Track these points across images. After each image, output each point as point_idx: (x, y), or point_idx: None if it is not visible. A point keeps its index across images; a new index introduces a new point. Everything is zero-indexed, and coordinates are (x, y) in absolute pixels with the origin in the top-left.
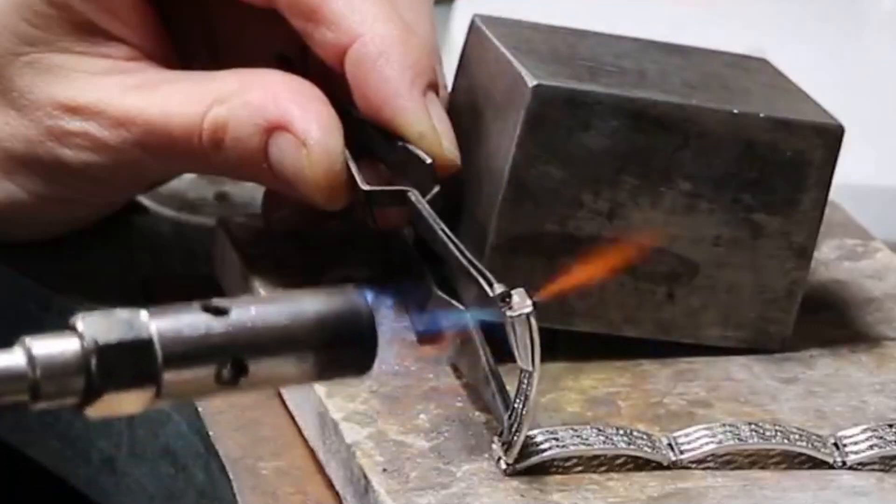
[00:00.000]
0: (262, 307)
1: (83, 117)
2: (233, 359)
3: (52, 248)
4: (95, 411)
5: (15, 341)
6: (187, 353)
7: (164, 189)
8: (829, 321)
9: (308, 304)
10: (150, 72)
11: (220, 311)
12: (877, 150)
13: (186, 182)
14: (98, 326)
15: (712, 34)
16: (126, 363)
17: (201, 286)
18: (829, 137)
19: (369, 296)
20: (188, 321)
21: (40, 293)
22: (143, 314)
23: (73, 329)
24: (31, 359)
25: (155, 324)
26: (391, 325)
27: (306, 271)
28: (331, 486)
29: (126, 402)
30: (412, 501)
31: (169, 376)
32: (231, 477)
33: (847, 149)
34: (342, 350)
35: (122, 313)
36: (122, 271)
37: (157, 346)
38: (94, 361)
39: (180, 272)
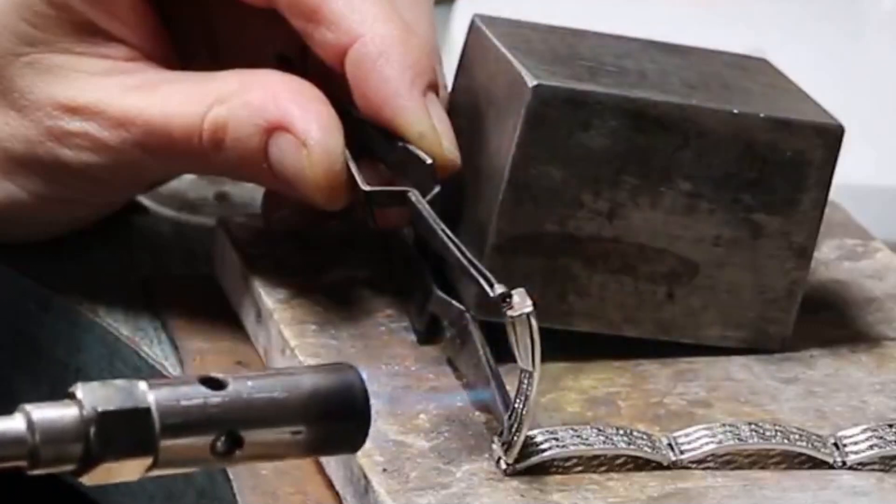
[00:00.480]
0: (258, 381)
1: (83, 117)
2: (228, 431)
3: (52, 248)
4: (92, 479)
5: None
6: (184, 423)
7: (164, 189)
8: (829, 321)
9: (303, 381)
10: (150, 72)
11: (218, 384)
12: (877, 150)
13: (186, 182)
14: (97, 394)
15: (712, 34)
16: (124, 431)
17: (201, 286)
18: (829, 137)
19: (363, 373)
20: (186, 392)
21: (40, 293)
22: (142, 384)
23: (72, 396)
24: (30, 424)
25: (153, 394)
26: (385, 398)
27: (306, 271)
28: (331, 486)
29: (123, 471)
30: (412, 501)
31: (166, 445)
32: (231, 477)
33: (847, 149)
34: (336, 426)
35: (121, 382)
36: (122, 271)
37: (156, 416)
38: (92, 429)
39: (180, 272)
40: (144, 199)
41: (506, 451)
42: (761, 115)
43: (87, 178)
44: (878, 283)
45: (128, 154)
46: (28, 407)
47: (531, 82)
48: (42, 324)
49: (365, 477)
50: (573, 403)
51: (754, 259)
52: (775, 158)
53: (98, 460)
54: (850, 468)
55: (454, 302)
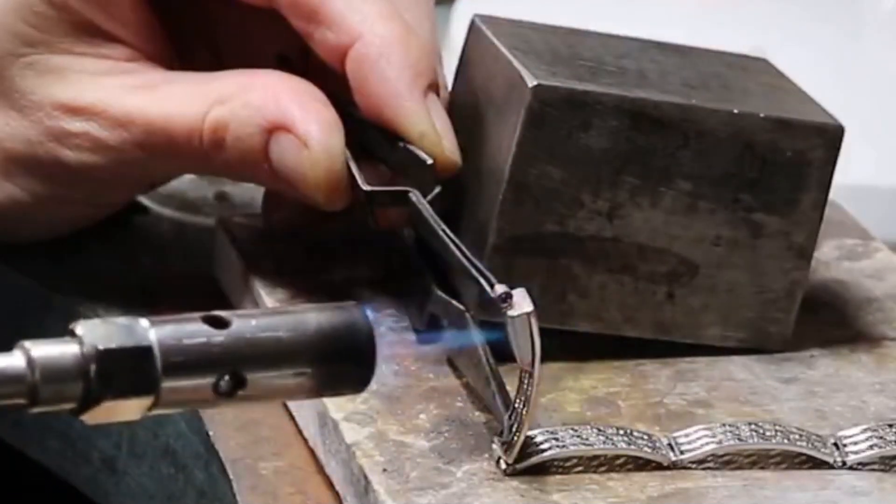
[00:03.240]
0: (262, 320)
1: (84, 118)
2: (231, 371)
3: (53, 248)
4: (93, 417)
5: (15, 341)
6: (186, 362)
7: (164, 189)
8: (829, 321)
9: (308, 320)
10: (150, 72)
11: (221, 323)
12: (877, 150)
13: (186, 182)
14: (98, 332)
15: (712, 34)
16: (125, 370)
17: (201, 286)
18: (829, 137)
19: (370, 313)
20: (188, 331)
21: (40, 293)
22: (144, 322)
23: (72, 334)
24: (30, 362)
25: (155, 332)
26: (390, 339)
27: (306, 271)
28: (331, 486)
29: (124, 409)
30: (412, 501)
31: (167, 385)
32: (231, 477)
33: (847, 149)
34: (340, 366)
35: (123, 320)
36: (123, 271)
37: (157, 355)
38: (93, 367)
39: (180, 272)
40: (144, 199)
41: (506, 451)
42: (761, 115)
43: (87, 179)
44: (878, 283)
45: (128, 154)
46: (27, 344)
47: (531, 82)
48: (43, 324)
49: (365, 477)
50: (573, 403)
51: (754, 259)
52: (775, 158)
53: (98, 399)
54: (850, 468)
55: (454, 302)
